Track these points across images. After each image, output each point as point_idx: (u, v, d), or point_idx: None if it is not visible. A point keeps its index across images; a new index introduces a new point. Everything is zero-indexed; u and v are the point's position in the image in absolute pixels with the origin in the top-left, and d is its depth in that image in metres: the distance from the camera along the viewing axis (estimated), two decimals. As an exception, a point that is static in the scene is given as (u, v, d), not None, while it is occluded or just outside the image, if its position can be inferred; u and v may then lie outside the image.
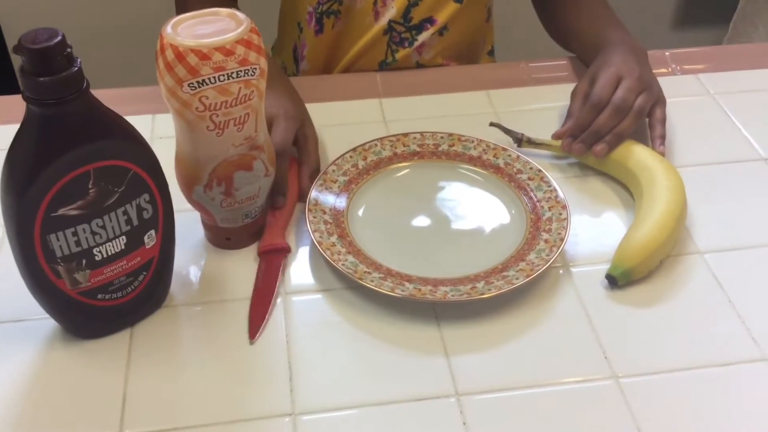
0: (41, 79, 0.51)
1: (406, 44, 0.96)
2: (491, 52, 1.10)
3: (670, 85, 0.86)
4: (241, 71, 0.61)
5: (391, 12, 0.94)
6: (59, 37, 0.51)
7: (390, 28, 0.95)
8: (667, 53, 0.98)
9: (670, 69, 0.95)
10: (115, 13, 1.68)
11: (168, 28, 0.60)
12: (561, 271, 0.70)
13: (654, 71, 0.85)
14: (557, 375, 0.61)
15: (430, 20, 0.95)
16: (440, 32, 0.96)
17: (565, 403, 0.59)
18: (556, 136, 0.80)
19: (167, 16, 0.62)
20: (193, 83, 0.60)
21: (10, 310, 0.65)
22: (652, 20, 1.92)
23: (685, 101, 0.90)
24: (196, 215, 0.71)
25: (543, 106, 0.89)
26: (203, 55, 0.59)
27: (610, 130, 0.78)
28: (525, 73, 0.95)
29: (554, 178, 0.75)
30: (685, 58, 0.97)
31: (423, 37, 0.96)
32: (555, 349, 0.63)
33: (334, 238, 0.69)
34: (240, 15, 0.62)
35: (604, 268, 0.69)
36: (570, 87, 0.85)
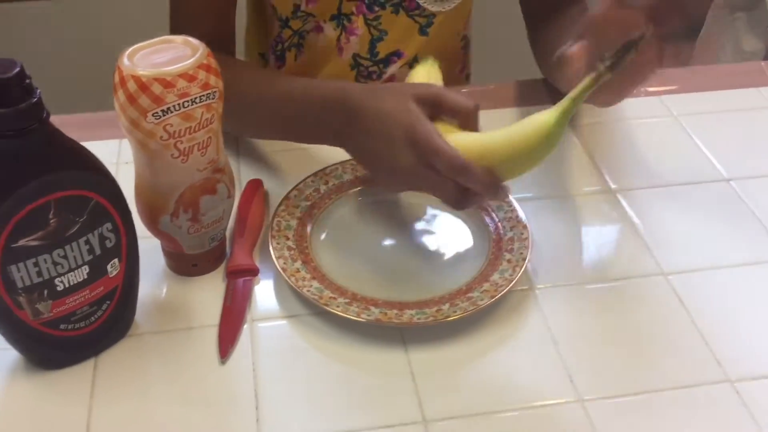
0: (-1, 110, 0.51)
1: (375, 77, 0.96)
2: (468, 77, 1.11)
3: (633, 107, 0.87)
4: (203, 95, 0.61)
5: (354, 47, 0.94)
6: (17, 68, 0.51)
7: (356, 63, 0.95)
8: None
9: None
10: (85, 36, 1.67)
11: (125, 60, 0.60)
12: (527, 293, 0.70)
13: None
14: (523, 398, 0.61)
15: (397, 53, 0.95)
16: (410, 65, 0.96)
17: (531, 427, 0.59)
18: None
19: (132, 37, 0.62)
20: (157, 112, 0.60)
21: (-29, 340, 0.64)
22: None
23: (648, 122, 0.91)
24: (158, 242, 0.71)
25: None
26: (167, 83, 0.59)
27: None
28: (494, 95, 0.96)
29: (514, 198, 0.75)
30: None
31: (392, 69, 0.96)
32: (521, 371, 0.64)
33: (298, 264, 0.69)
34: (194, 41, 0.63)
35: (569, 288, 0.70)
36: (531, 110, 0.86)
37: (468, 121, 0.66)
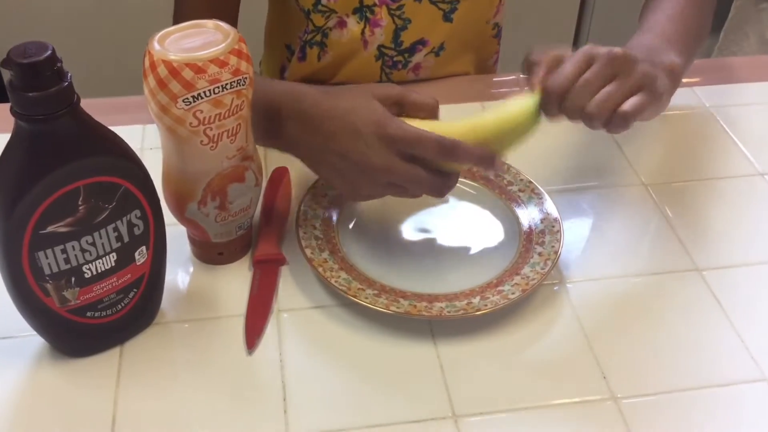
0: (30, 94, 0.50)
1: (400, 66, 0.95)
2: (495, 62, 1.09)
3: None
4: (234, 82, 0.60)
5: (379, 38, 0.92)
6: (49, 52, 0.50)
7: (381, 53, 0.94)
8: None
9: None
10: (108, 20, 1.66)
11: (155, 45, 0.59)
12: (557, 288, 0.69)
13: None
14: (554, 395, 0.60)
15: (422, 41, 0.94)
16: (436, 53, 0.95)
17: (563, 424, 0.58)
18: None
19: (156, 23, 0.61)
20: (188, 98, 0.59)
21: (1, 326, 0.63)
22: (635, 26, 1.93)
23: (681, 114, 0.89)
24: (184, 229, 0.70)
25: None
26: (199, 69, 0.58)
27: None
28: (522, 85, 0.94)
29: (545, 190, 0.74)
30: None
31: (417, 58, 0.94)
32: (552, 367, 0.63)
33: (325, 254, 0.68)
34: (225, 26, 0.61)
35: (601, 283, 0.69)
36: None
37: (431, 118, 0.66)
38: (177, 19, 0.85)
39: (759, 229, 0.75)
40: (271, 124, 0.68)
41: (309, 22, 0.92)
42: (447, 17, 0.94)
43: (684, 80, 0.93)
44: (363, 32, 0.91)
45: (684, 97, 0.92)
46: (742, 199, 0.78)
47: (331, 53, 0.94)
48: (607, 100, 0.62)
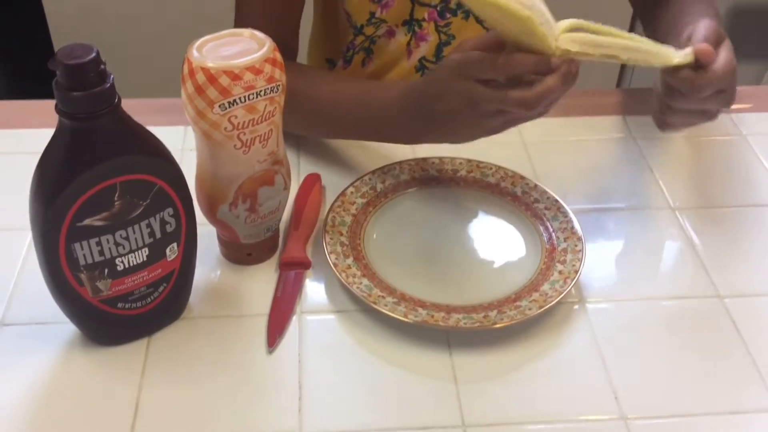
0: (74, 93, 0.53)
1: None
2: None
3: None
4: (268, 89, 0.63)
5: (423, 51, 0.95)
6: (93, 54, 0.53)
7: (421, 65, 0.96)
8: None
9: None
10: (154, 24, 1.71)
11: (194, 52, 0.62)
12: (576, 306, 0.69)
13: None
14: (565, 411, 0.61)
15: None
16: None
17: (570, 441, 0.59)
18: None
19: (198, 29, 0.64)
20: (224, 104, 0.61)
21: (33, 312, 0.67)
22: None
23: (715, 140, 0.89)
24: (213, 230, 0.72)
25: (574, 138, 0.89)
26: (235, 76, 0.61)
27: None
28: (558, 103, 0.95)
29: (572, 209, 0.75)
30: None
31: None
32: (565, 384, 0.63)
33: (349, 260, 0.70)
34: (260, 35, 0.64)
35: (621, 305, 0.69)
36: (599, 120, 0.85)
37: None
38: (239, 15, 0.87)
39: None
40: (400, 121, 0.74)
41: (360, 36, 0.94)
42: None
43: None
44: (409, 44, 0.94)
45: (721, 124, 0.92)
46: (771, 229, 0.78)
47: (376, 60, 0.96)
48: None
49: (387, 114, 0.75)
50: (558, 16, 0.63)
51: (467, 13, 0.93)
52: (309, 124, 0.82)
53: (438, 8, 0.92)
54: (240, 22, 0.87)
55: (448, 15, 0.92)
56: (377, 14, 0.92)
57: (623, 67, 1.84)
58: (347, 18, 0.94)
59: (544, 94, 0.63)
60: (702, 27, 0.71)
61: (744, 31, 1.87)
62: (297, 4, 0.87)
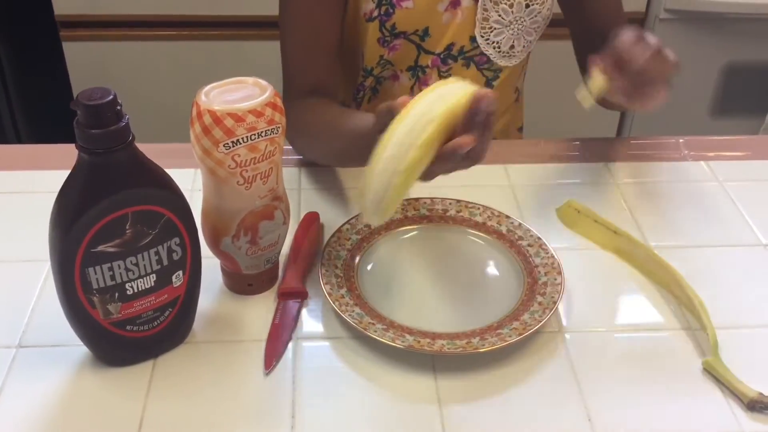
0: (92, 131, 0.59)
1: None
2: (521, 129, 1.16)
3: (679, 170, 0.91)
4: (268, 130, 0.69)
5: None
6: (111, 96, 0.59)
7: None
8: (681, 140, 1.03)
9: (681, 155, 1.00)
10: (168, 72, 1.80)
11: (202, 96, 0.68)
12: (555, 335, 0.74)
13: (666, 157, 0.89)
14: None
15: None
16: None
17: (545, 458, 0.63)
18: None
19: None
20: (228, 143, 0.67)
21: (47, 336, 0.72)
22: (690, 107, 1.97)
23: (692, 186, 0.94)
24: (217, 262, 0.78)
25: (558, 182, 0.95)
26: (238, 118, 0.67)
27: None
28: (543, 150, 1.01)
29: (553, 247, 0.80)
30: (696, 145, 1.02)
31: None
32: (542, 408, 0.67)
33: (343, 291, 0.75)
34: (262, 82, 0.70)
35: (598, 335, 0.74)
36: (584, 166, 0.90)
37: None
38: (286, 75, 0.95)
39: (762, 295, 0.79)
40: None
41: (370, 77, 1.01)
42: (489, 84, 1.02)
43: (710, 155, 0.98)
44: (413, 88, 1.01)
45: (698, 171, 0.97)
46: (747, 267, 0.82)
47: (381, 99, 1.03)
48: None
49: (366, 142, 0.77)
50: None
51: (468, 61, 1.00)
52: (320, 150, 0.91)
53: (441, 56, 0.99)
54: (288, 72, 0.94)
55: (450, 61, 0.99)
56: (385, 56, 0.99)
57: (623, 115, 1.90)
58: (361, 60, 1.01)
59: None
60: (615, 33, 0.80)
61: (740, 88, 1.94)
62: (325, 40, 0.93)
